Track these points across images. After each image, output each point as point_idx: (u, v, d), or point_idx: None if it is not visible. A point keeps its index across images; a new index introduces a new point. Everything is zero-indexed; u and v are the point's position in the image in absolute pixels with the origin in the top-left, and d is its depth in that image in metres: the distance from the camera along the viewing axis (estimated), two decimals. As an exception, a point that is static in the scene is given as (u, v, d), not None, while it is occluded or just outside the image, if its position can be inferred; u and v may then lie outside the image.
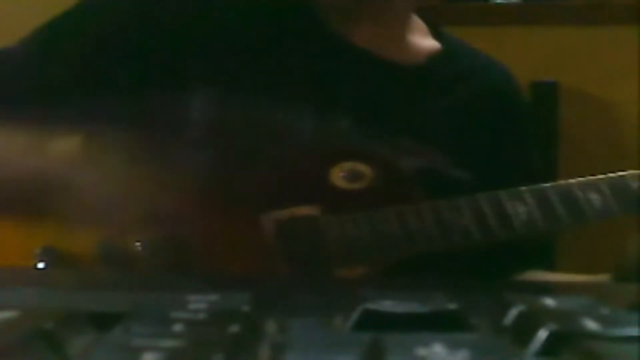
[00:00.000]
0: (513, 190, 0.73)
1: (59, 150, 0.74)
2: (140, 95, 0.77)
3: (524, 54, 1.56)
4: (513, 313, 0.26)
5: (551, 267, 0.91)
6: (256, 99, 0.78)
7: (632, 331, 0.24)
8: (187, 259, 0.68)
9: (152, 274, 0.65)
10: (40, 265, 0.69)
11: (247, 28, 0.82)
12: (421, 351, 0.21)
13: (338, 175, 0.74)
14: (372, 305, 0.26)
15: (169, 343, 0.21)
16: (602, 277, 0.70)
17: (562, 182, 0.75)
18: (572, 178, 0.76)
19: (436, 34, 0.90)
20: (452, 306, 0.26)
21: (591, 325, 0.24)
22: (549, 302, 0.28)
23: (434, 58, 0.87)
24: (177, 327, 0.23)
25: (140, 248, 0.68)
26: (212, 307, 0.26)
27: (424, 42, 0.89)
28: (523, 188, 0.73)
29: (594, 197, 0.73)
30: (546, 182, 0.76)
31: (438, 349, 0.21)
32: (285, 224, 0.71)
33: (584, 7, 1.61)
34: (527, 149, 0.92)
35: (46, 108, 0.76)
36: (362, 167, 0.74)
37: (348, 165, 0.74)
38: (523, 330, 0.25)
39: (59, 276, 0.52)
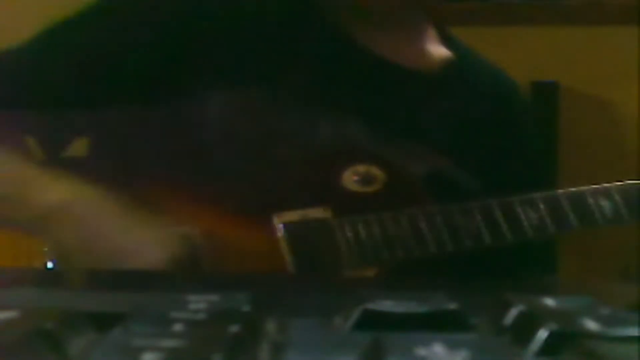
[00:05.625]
0: (525, 196, 0.74)
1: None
2: (150, 98, 0.77)
3: (524, 54, 1.56)
4: (513, 313, 0.26)
5: (555, 271, 0.91)
6: (269, 102, 0.78)
7: (632, 331, 0.24)
8: (199, 259, 0.68)
9: (155, 273, 0.66)
10: (50, 263, 0.69)
11: (260, 33, 0.82)
12: (421, 351, 0.21)
13: (351, 178, 0.74)
14: (372, 305, 0.26)
15: (169, 343, 0.21)
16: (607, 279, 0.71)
17: (573, 188, 0.75)
18: (572, 178, 0.76)
19: (447, 40, 0.91)
20: (452, 306, 0.26)
21: (591, 325, 0.24)
22: (549, 302, 0.28)
23: (445, 64, 0.87)
24: (177, 327, 0.23)
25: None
26: (212, 307, 0.26)
27: (436, 48, 0.89)
28: (535, 194, 0.74)
29: (605, 204, 0.74)
30: (551, 186, 0.76)
31: (438, 349, 0.21)
32: (296, 225, 0.71)
33: (584, 7, 1.61)
34: (533, 155, 0.93)
35: (51, 112, 0.76)
36: (375, 171, 0.74)
37: (361, 168, 0.74)
38: (523, 330, 0.25)
39: (59, 276, 0.52)
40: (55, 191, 0.69)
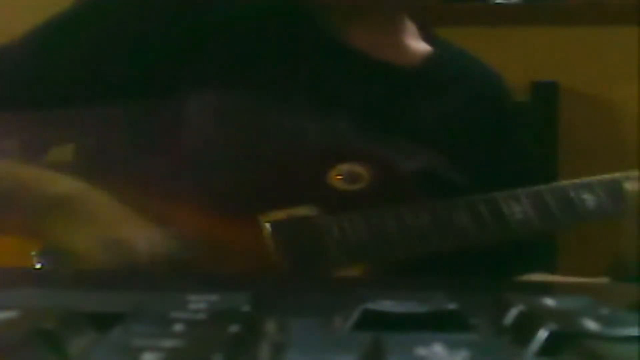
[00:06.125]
0: (509, 191, 0.74)
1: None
2: (139, 97, 0.77)
3: (524, 54, 1.56)
4: (513, 313, 0.26)
5: (551, 269, 0.91)
6: (254, 100, 0.78)
7: (632, 331, 0.24)
8: (186, 258, 0.68)
9: (152, 273, 0.66)
10: (38, 266, 0.69)
11: (245, 31, 0.82)
12: (421, 351, 0.21)
13: (336, 177, 0.74)
14: (372, 305, 0.26)
15: (169, 343, 0.21)
16: (601, 279, 0.71)
17: (556, 183, 0.76)
18: (572, 177, 0.77)
19: (427, 37, 0.91)
20: (452, 306, 0.26)
21: (591, 325, 0.24)
22: (549, 302, 0.28)
23: (428, 60, 0.88)
24: (177, 327, 0.23)
25: (140, 245, 0.68)
26: (212, 307, 0.26)
27: (417, 44, 0.90)
28: (519, 189, 0.74)
29: (588, 197, 0.74)
30: (542, 182, 0.76)
31: (438, 349, 0.21)
32: (282, 224, 0.71)
33: (584, 7, 1.62)
34: (520, 149, 0.93)
35: (42, 109, 0.75)
36: (360, 169, 0.74)
37: (346, 166, 0.74)
38: (523, 330, 0.25)
39: (59, 276, 0.52)
40: (60, 184, 0.70)
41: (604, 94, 1.61)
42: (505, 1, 1.67)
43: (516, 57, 1.48)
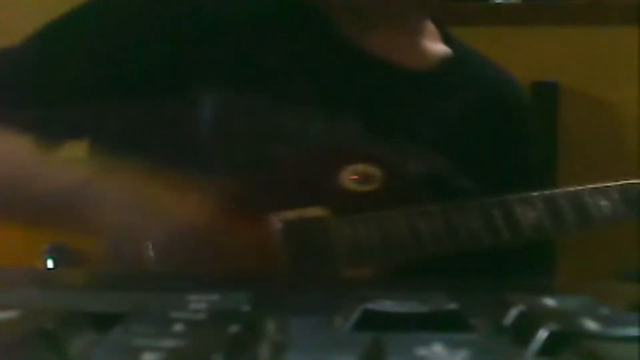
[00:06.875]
0: (523, 195, 0.74)
1: (66, 160, 0.74)
2: (147, 98, 0.77)
3: (524, 54, 1.56)
4: (513, 313, 0.27)
5: (552, 271, 0.91)
6: (268, 101, 0.78)
7: (632, 331, 0.24)
8: (197, 259, 0.68)
9: (155, 273, 0.66)
10: (50, 262, 0.69)
11: (258, 32, 0.82)
12: (421, 351, 0.21)
13: (348, 178, 0.74)
14: (372, 305, 0.26)
15: (169, 343, 0.21)
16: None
17: (572, 188, 0.75)
18: (572, 178, 0.77)
19: (446, 39, 0.90)
20: (452, 306, 0.26)
21: (591, 325, 0.24)
22: (549, 302, 0.28)
23: (444, 64, 0.87)
24: (177, 327, 0.23)
25: (150, 248, 0.69)
26: (212, 307, 0.26)
27: (435, 47, 0.89)
28: (533, 193, 0.74)
29: (604, 203, 0.74)
30: (545, 183, 0.76)
31: (438, 349, 0.21)
32: (292, 224, 0.71)
33: (584, 7, 1.62)
34: (531, 155, 0.93)
35: (48, 110, 0.75)
36: (373, 170, 0.74)
37: (358, 167, 0.74)
38: (523, 330, 0.25)
39: (59, 276, 0.52)
40: (73, 171, 0.71)
41: (604, 94, 1.61)
42: (505, 1, 1.67)
43: (516, 57, 1.48)
